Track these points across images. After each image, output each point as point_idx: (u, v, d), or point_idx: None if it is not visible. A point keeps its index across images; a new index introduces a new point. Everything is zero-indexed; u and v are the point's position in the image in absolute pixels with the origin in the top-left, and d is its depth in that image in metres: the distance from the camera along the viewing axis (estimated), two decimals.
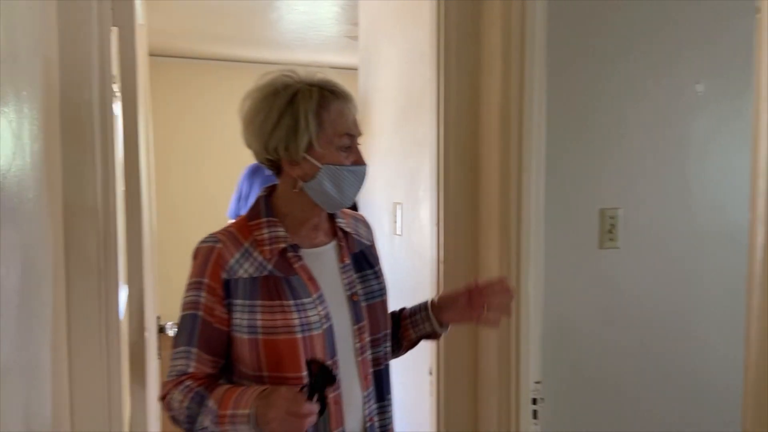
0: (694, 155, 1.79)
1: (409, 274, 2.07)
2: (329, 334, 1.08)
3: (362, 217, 1.29)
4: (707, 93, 1.77)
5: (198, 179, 5.49)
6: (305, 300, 1.07)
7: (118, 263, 1.34)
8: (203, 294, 1.07)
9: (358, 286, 1.15)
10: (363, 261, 1.19)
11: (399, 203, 2.15)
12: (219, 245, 1.09)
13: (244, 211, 2.28)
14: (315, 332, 1.06)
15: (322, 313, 1.08)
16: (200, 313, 1.06)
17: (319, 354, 1.06)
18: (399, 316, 1.27)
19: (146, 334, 1.57)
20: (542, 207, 1.55)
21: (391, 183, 2.14)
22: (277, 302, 1.05)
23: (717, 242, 1.78)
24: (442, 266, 1.65)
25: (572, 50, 1.69)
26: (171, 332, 1.76)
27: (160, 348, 1.94)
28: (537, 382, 1.57)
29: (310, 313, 1.06)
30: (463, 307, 1.17)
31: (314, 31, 4.67)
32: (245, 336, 1.05)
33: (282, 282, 1.07)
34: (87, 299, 1.27)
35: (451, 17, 1.67)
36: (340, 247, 1.17)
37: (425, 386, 1.83)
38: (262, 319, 1.05)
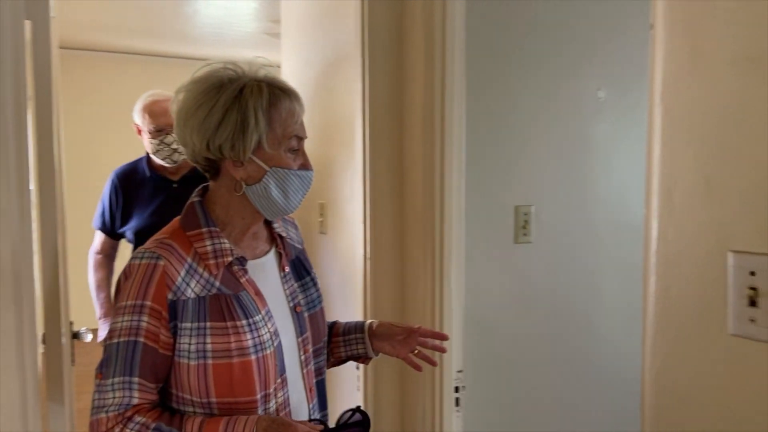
0: (597, 156, 1.94)
1: (336, 273, 2.10)
2: (279, 351, 1.02)
3: (291, 218, 1.24)
4: (608, 99, 1.94)
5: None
6: (256, 318, 1.00)
7: (33, 267, 1.28)
8: (145, 319, 0.95)
9: (300, 296, 1.10)
10: (301, 268, 1.15)
11: (325, 202, 2.18)
12: (162, 262, 0.96)
13: (121, 225, 2.15)
14: (267, 351, 0.99)
15: (272, 329, 1.02)
16: (141, 339, 0.95)
17: (271, 373, 0.99)
18: (330, 330, 1.23)
19: (63, 339, 1.51)
20: (463, 205, 1.63)
21: (316, 182, 2.15)
22: (230, 323, 0.97)
23: (618, 236, 1.95)
24: (369, 263, 1.70)
25: (488, 56, 1.79)
26: (86, 337, 1.69)
27: (73, 354, 1.86)
28: (459, 371, 1.66)
29: (262, 332, 0.99)
30: (398, 342, 1.17)
31: (232, 27, 4.58)
32: (192, 362, 0.96)
33: (232, 300, 0.99)
34: (1, 307, 1.20)
35: (375, 18, 1.71)
36: (279, 255, 1.11)
37: (353, 381, 1.87)
38: (213, 343, 0.96)
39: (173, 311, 0.96)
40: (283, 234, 1.13)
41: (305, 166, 1.04)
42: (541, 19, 1.84)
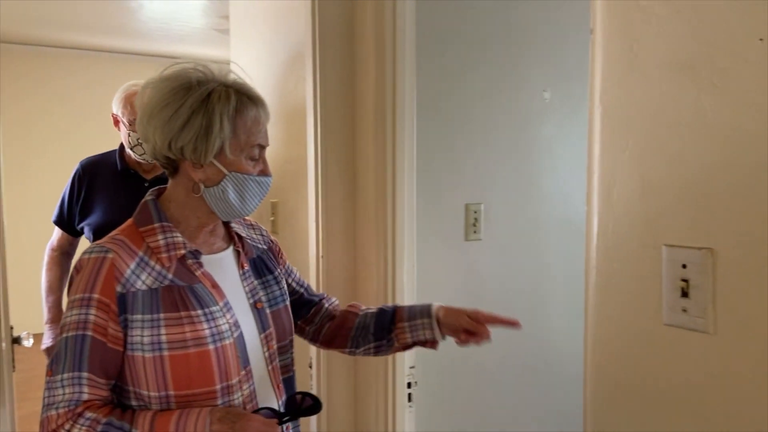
0: (542, 155, 2.01)
1: None
2: (240, 343, 1.02)
3: (254, 222, 1.24)
4: (553, 99, 2.00)
5: (53, 176, 5.03)
6: (213, 308, 1.00)
7: None
8: (93, 312, 0.94)
9: (261, 293, 1.11)
10: (262, 266, 1.15)
11: (276, 201, 2.16)
12: (110, 255, 0.97)
13: (79, 220, 2.04)
14: (227, 341, 0.99)
15: (231, 321, 1.02)
16: (90, 333, 0.94)
17: (233, 364, 0.99)
18: (392, 317, 1.23)
19: (2, 344, 1.45)
20: (414, 203, 1.66)
21: None
22: (184, 313, 0.97)
23: (562, 232, 2.02)
24: (322, 261, 1.70)
25: (437, 58, 1.82)
26: (26, 343, 1.63)
27: (13, 360, 1.79)
28: (411, 367, 1.68)
29: (219, 322, 0.99)
30: (462, 326, 1.19)
31: (179, 22, 4.48)
32: (147, 354, 0.95)
33: (186, 291, 0.99)
34: None
35: (326, 18, 1.71)
36: (238, 253, 1.11)
37: (305, 380, 1.87)
38: (168, 334, 0.95)
39: (122, 303, 0.95)
40: (242, 233, 1.14)
41: (264, 172, 1.05)
42: (490, 22, 1.89)
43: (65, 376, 0.93)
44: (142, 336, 0.95)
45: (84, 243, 2.09)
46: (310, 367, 1.81)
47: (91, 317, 0.94)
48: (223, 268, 1.07)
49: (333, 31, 1.72)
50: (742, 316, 0.78)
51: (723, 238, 0.80)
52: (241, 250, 1.11)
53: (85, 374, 0.93)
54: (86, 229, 1.99)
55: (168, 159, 1.02)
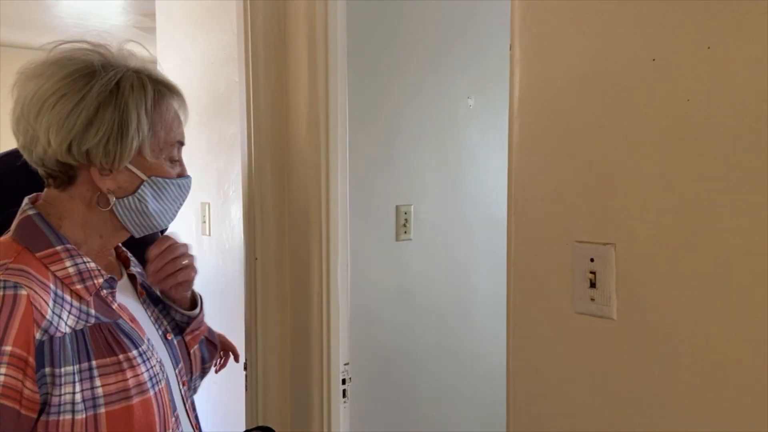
0: (468, 158, 2.12)
1: (220, 274, 2.09)
2: (168, 383, 0.88)
3: None
4: (477, 106, 2.12)
5: None
6: (143, 347, 0.84)
7: None
8: (3, 371, 0.71)
9: (165, 321, 0.97)
10: (152, 292, 1.00)
11: (207, 203, 2.15)
12: (23, 291, 0.73)
13: None
14: (162, 384, 0.84)
15: (158, 358, 0.87)
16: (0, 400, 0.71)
17: (168, 409, 0.84)
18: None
19: None
20: (347, 205, 1.71)
21: (197, 182, 2.13)
22: (122, 356, 0.80)
23: (488, 231, 2.13)
24: (257, 263, 1.72)
25: (369, 62, 1.89)
26: None
27: None
28: (346, 364, 1.73)
29: (153, 362, 0.84)
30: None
31: (97, 18, 4.32)
32: (78, 416, 0.75)
33: (115, 329, 0.82)
34: None
35: (257, 19, 1.72)
36: (132, 278, 0.96)
37: (240, 381, 1.88)
38: (105, 385, 0.77)
39: (43, 355, 0.73)
40: (129, 254, 0.99)
41: (183, 173, 0.91)
42: (419, 29, 1.98)
43: None
44: (74, 393, 0.75)
45: None
46: (245, 369, 1.83)
47: (1, 378, 0.71)
48: (127, 298, 0.91)
49: (265, 32, 1.73)
50: (638, 303, 0.89)
51: (622, 235, 0.90)
52: (135, 273, 0.96)
53: None
54: None
55: (63, 165, 0.81)
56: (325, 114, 1.66)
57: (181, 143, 0.91)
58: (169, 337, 0.96)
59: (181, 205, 0.93)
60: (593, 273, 0.94)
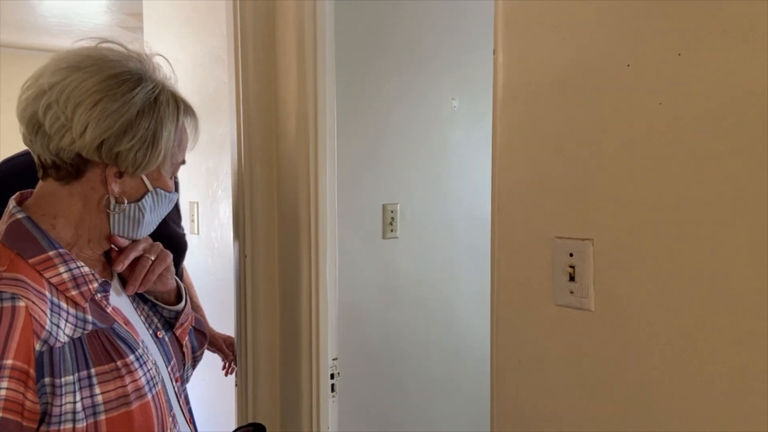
0: (453, 158, 2.17)
1: (209, 272, 2.11)
2: (164, 385, 0.88)
3: None
4: (461, 107, 2.17)
5: None
6: (139, 351, 0.84)
7: None
8: (4, 384, 0.70)
9: (155, 319, 0.97)
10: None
11: (196, 202, 2.18)
12: (21, 303, 0.73)
13: None
14: (159, 386, 0.85)
15: (154, 361, 0.87)
16: (0, 414, 0.70)
17: (165, 411, 0.85)
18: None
19: None
20: (336, 203, 1.75)
21: (186, 182, 2.15)
22: (120, 362, 0.80)
23: (472, 229, 2.18)
24: (247, 261, 1.75)
25: (357, 62, 1.92)
26: None
27: None
28: (334, 359, 1.77)
29: (149, 365, 0.85)
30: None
31: (81, 18, 4.30)
32: (80, 424, 0.75)
33: (111, 334, 0.82)
34: None
35: (246, 20, 1.75)
36: (120, 276, 0.95)
37: (229, 377, 1.91)
38: (105, 392, 0.77)
39: (43, 366, 0.73)
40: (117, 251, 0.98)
41: (172, 189, 0.93)
42: (406, 35, 2.02)
43: None
44: (75, 402, 0.75)
45: None
46: (235, 364, 1.86)
47: (3, 392, 0.70)
48: (118, 299, 0.91)
49: (254, 33, 1.76)
50: (614, 295, 0.94)
51: (599, 230, 0.95)
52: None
53: None
54: None
55: (80, 160, 0.81)
56: (314, 114, 1.69)
57: (184, 162, 0.94)
58: (160, 335, 0.96)
59: (161, 218, 0.93)
60: (572, 267, 0.99)
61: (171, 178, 0.92)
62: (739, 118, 0.80)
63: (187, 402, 1.00)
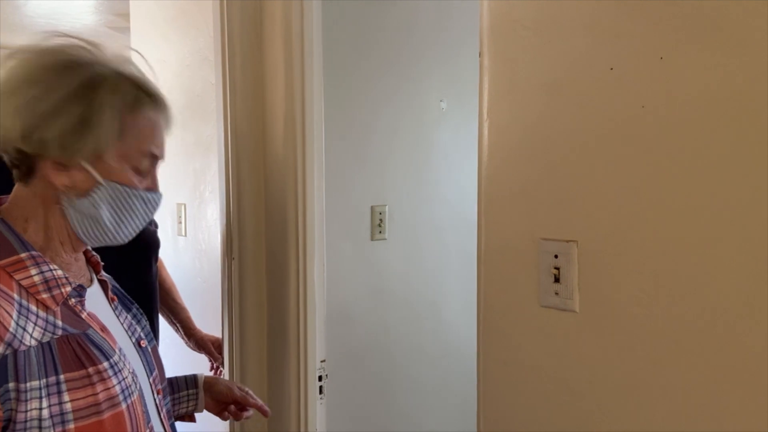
0: (441, 160, 2.17)
1: (197, 274, 2.11)
2: (142, 395, 0.85)
3: None
4: (449, 109, 2.17)
5: None
6: (115, 359, 0.81)
7: None
8: None
9: (138, 329, 0.94)
10: (123, 298, 0.97)
11: (183, 204, 2.17)
12: None
13: None
14: (134, 396, 0.82)
15: (131, 369, 0.84)
16: None
17: (141, 422, 0.82)
18: None
19: None
20: (323, 205, 1.75)
21: (173, 184, 2.14)
22: (92, 369, 0.77)
23: (459, 231, 2.19)
24: (234, 263, 1.74)
25: (344, 64, 1.93)
26: None
27: None
28: (322, 361, 1.77)
29: (125, 374, 0.81)
30: (233, 397, 1.13)
31: (69, 18, 4.27)
32: None
33: (84, 340, 0.78)
34: None
35: (234, 20, 1.74)
36: (103, 283, 0.93)
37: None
38: (74, 400, 0.74)
39: (5, 370, 0.71)
40: (99, 258, 0.95)
41: (152, 187, 0.87)
42: (393, 37, 2.03)
43: None
44: (41, 409, 0.72)
45: None
46: (223, 367, 1.85)
47: None
48: (98, 305, 0.88)
49: (241, 33, 1.75)
50: (598, 296, 0.95)
51: (584, 232, 0.96)
52: (104, 278, 0.93)
53: None
54: None
55: (21, 154, 0.79)
56: (302, 115, 1.69)
57: (156, 157, 0.86)
58: (143, 344, 0.93)
59: (144, 221, 0.87)
60: (557, 269, 1.00)
61: (140, 174, 0.84)
62: (720, 121, 0.81)
63: (170, 417, 0.97)
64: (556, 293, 1.01)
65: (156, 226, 1.64)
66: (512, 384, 1.08)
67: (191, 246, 2.14)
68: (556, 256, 1.00)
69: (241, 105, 1.77)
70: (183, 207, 2.17)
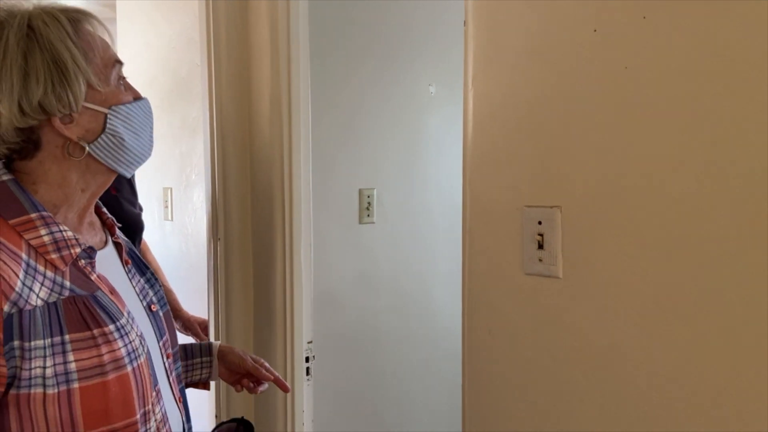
0: (429, 143, 2.16)
1: (184, 258, 2.09)
2: (149, 358, 0.85)
3: None
4: (438, 94, 2.17)
5: None
6: (122, 321, 0.81)
7: None
8: None
9: (150, 293, 0.94)
10: (139, 262, 0.98)
11: (170, 188, 2.15)
12: None
13: None
14: (141, 359, 0.82)
15: (139, 332, 0.84)
16: None
17: (147, 385, 0.82)
18: None
19: None
20: (311, 188, 1.73)
21: (160, 167, 2.13)
22: (97, 331, 0.77)
23: (448, 214, 2.18)
24: (220, 244, 1.73)
25: (332, 48, 1.91)
26: None
27: None
28: (309, 342, 1.76)
29: (132, 336, 0.82)
30: (246, 369, 1.13)
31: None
32: (50, 390, 0.73)
33: (91, 302, 0.79)
34: None
35: (219, 1, 1.73)
36: (118, 246, 0.93)
37: None
38: (78, 360, 0.75)
39: (11, 328, 0.72)
40: (114, 221, 0.96)
41: (138, 96, 0.88)
42: (382, 22, 2.02)
43: None
44: (45, 368, 0.73)
45: None
46: None
47: None
48: (111, 268, 0.89)
49: (227, 14, 1.74)
50: (581, 261, 0.94)
51: (567, 198, 0.95)
52: (120, 241, 0.93)
53: None
54: None
55: (23, 132, 0.78)
56: (288, 97, 1.68)
57: (119, 62, 0.86)
58: (154, 308, 0.93)
59: (151, 128, 0.89)
60: (541, 235, 0.99)
61: (121, 87, 0.85)
62: (704, 81, 0.80)
63: (179, 381, 0.97)
64: (540, 260, 1.00)
65: (141, 209, 1.62)
66: (497, 353, 1.07)
67: (178, 230, 2.13)
68: (539, 223, 1.00)
69: (226, 86, 1.75)
70: (169, 191, 2.15)
